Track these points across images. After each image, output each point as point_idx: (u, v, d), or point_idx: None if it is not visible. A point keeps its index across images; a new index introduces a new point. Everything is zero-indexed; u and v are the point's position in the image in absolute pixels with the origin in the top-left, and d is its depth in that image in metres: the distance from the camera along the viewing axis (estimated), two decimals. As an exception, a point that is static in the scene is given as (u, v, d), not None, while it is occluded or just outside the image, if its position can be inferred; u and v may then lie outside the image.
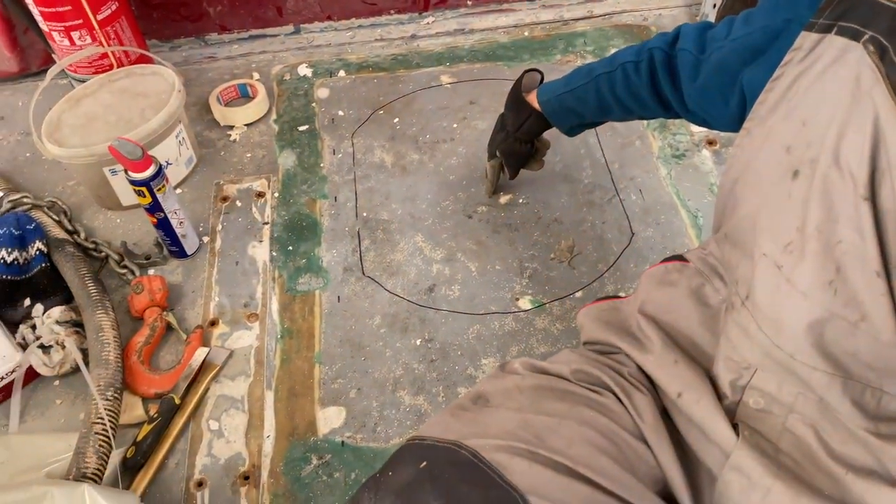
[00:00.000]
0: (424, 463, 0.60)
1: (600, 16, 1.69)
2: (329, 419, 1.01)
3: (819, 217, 0.53)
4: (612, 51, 1.57)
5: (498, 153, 1.18)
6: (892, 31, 0.50)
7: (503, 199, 1.29)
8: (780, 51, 0.60)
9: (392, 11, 1.69)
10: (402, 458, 0.62)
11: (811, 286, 0.54)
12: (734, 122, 0.75)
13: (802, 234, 0.54)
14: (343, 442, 0.99)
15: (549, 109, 1.06)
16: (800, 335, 0.56)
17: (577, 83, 1.01)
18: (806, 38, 0.56)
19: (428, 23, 1.70)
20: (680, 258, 0.80)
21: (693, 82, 0.82)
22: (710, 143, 1.36)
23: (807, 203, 0.54)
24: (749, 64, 0.69)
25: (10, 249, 1.11)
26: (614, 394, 0.71)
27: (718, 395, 0.66)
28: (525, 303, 1.13)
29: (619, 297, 0.86)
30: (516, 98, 1.11)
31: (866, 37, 0.51)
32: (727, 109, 0.76)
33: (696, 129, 1.39)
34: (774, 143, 0.59)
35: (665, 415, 0.70)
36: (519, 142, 1.14)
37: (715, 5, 1.51)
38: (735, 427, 0.63)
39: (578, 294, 1.14)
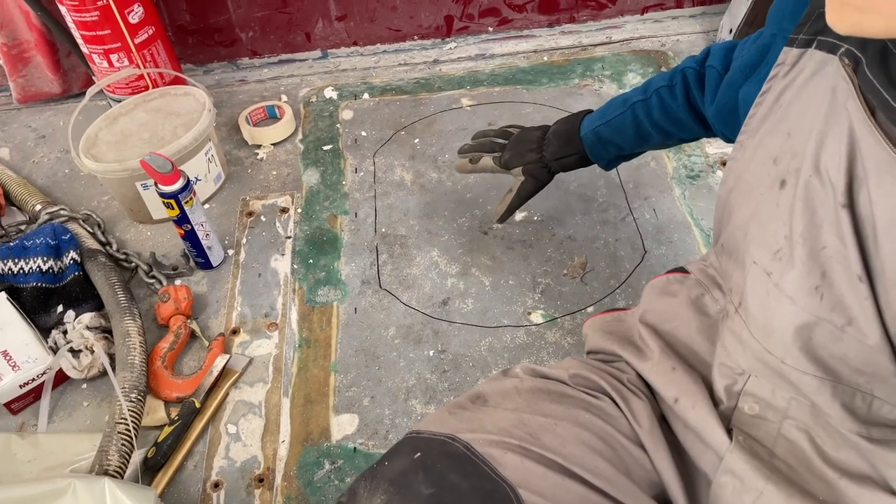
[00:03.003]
0: (419, 454, 0.62)
1: (618, 41, 1.72)
2: (342, 426, 1.04)
3: (803, 224, 0.54)
4: (630, 76, 1.60)
5: (522, 171, 1.12)
6: (865, 44, 0.52)
7: (518, 216, 1.32)
8: (768, 66, 0.62)
9: (416, 37, 1.74)
10: (398, 450, 0.64)
11: (798, 291, 0.55)
12: (733, 126, 0.77)
13: (790, 241, 0.56)
14: (355, 448, 1.02)
15: (588, 143, 1.04)
16: (788, 339, 0.57)
17: (613, 114, 0.99)
18: (788, 54, 0.58)
19: (450, 48, 1.75)
20: (681, 270, 0.81)
21: (713, 102, 0.84)
22: (724, 164, 1.38)
23: (792, 211, 0.56)
24: (747, 78, 0.72)
25: (45, 258, 1.17)
26: (612, 399, 0.72)
27: (714, 401, 0.67)
28: (537, 317, 1.15)
29: (625, 309, 0.87)
30: (570, 133, 1.06)
31: (842, 50, 0.53)
32: (733, 128, 0.78)
33: (710, 150, 1.41)
34: (763, 154, 0.61)
35: (663, 422, 0.72)
36: (547, 170, 1.10)
37: (731, 31, 1.54)
38: (730, 432, 0.65)
39: (590, 309, 1.16)
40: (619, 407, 0.71)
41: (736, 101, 0.75)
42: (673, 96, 0.92)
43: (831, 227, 0.53)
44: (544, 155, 1.09)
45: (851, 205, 0.52)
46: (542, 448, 0.64)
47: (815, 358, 0.57)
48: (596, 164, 1.07)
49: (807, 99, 0.56)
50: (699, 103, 0.90)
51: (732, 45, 0.84)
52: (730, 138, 0.85)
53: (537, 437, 0.65)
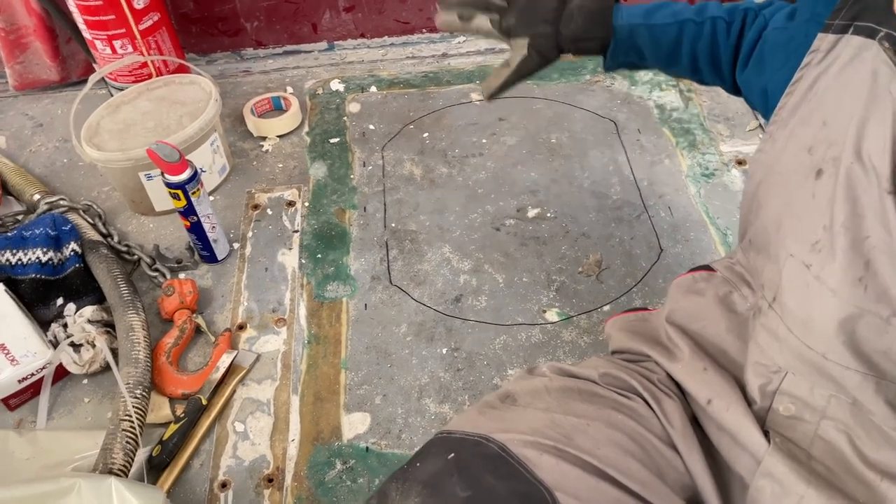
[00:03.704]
0: (452, 455, 0.60)
1: (630, 37, 1.70)
2: (354, 425, 1.01)
3: (845, 213, 0.53)
4: (642, 72, 1.58)
5: (528, 45, 0.87)
6: None
7: (531, 213, 1.29)
8: (797, 50, 0.60)
9: (424, 30, 1.72)
10: (429, 451, 0.62)
11: (841, 283, 0.54)
12: (760, 104, 0.75)
13: (830, 231, 0.55)
14: (367, 448, 0.99)
15: (621, 36, 0.86)
16: (831, 333, 0.56)
17: (660, 21, 0.84)
18: (823, 40, 0.57)
19: (459, 42, 1.72)
20: (707, 268, 0.79)
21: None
22: (740, 162, 1.36)
23: (832, 201, 0.54)
24: (776, 56, 0.70)
25: (45, 249, 1.13)
26: (643, 399, 0.70)
27: (748, 402, 0.65)
28: (552, 315, 1.13)
29: (647, 308, 0.86)
30: (603, 15, 0.85)
31: (881, 34, 0.53)
32: (758, 88, 0.74)
33: (725, 148, 1.39)
34: (796, 145, 0.60)
35: (695, 422, 0.70)
36: (556, 48, 0.87)
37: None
38: (766, 434, 0.63)
39: (606, 308, 1.13)
40: (650, 407, 0.70)
41: (758, 71, 0.73)
42: (727, 34, 0.81)
43: (875, 216, 0.52)
44: (560, 30, 0.86)
45: None
46: (577, 449, 0.62)
47: (859, 352, 0.56)
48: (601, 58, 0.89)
49: (844, 85, 0.56)
50: (743, 53, 0.79)
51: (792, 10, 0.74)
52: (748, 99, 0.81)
53: (571, 437, 0.63)
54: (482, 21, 0.90)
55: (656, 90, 1.54)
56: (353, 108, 1.56)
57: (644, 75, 1.57)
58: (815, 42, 0.58)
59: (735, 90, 0.83)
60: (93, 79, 1.23)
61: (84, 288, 1.16)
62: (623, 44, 0.85)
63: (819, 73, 0.58)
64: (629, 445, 0.65)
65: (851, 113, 0.54)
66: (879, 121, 0.52)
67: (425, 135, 1.48)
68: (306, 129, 1.51)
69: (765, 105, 0.75)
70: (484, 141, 1.45)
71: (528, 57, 0.88)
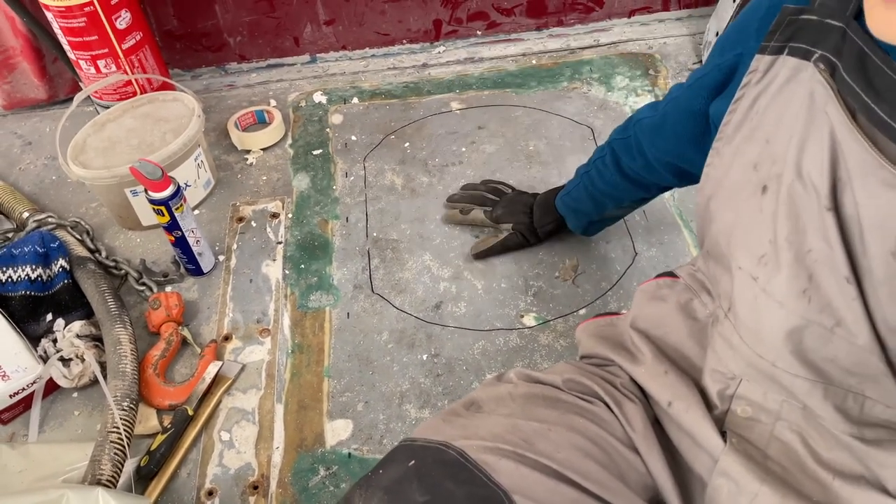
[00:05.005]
0: (413, 462, 0.62)
1: (606, 44, 1.73)
2: (337, 431, 1.04)
3: (788, 229, 0.56)
4: (618, 78, 1.61)
5: (511, 228, 1.23)
6: (840, 49, 0.53)
7: (509, 220, 1.32)
8: (739, 79, 0.63)
9: (405, 41, 1.74)
10: (392, 458, 0.65)
11: (786, 295, 0.56)
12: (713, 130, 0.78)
13: (775, 245, 0.57)
14: (350, 454, 1.01)
15: (562, 212, 1.17)
16: (779, 343, 0.58)
17: (572, 184, 1.12)
18: (760, 61, 0.59)
19: (439, 52, 1.75)
20: (671, 274, 0.82)
21: (659, 134, 0.87)
22: (713, 166, 1.38)
23: (776, 216, 0.57)
24: (714, 99, 0.73)
25: (34, 266, 1.16)
26: (605, 403, 0.73)
27: (708, 406, 0.68)
28: (529, 320, 1.16)
29: (617, 313, 0.88)
30: (548, 203, 1.19)
31: (816, 55, 0.54)
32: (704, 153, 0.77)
33: (699, 152, 1.42)
34: (742, 161, 0.62)
35: (657, 425, 0.72)
36: (533, 233, 1.22)
37: (717, 33, 1.55)
38: (724, 435, 0.65)
39: (582, 311, 1.16)
40: (612, 411, 0.72)
41: (701, 127, 0.77)
42: (605, 164, 1.01)
43: (817, 231, 0.54)
44: (535, 223, 1.21)
45: (836, 207, 0.53)
46: (536, 453, 0.64)
47: (807, 361, 0.58)
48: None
49: (783, 105, 0.57)
50: (628, 167, 0.97)
51: (655, 103, 0.92)
52: (689, 171, 0.86)
53: (531, 442, 0.65)
54: (477, 213, 1.27)
55: (632, 96, 1.57)
56: (336, 119, 1.59)
57: (620, 81, 1.60)
58: (753, 63, 0.60)
59: (682, 178, 0.92)
60: (78, 98, 1.26)
61: (73, 303, 1.18)
62: (568, 216, 1.17)
63: (759, 92, 0.60)
64: (590, 449, 0.67)
65: (791, 132, 0.56)
66: (817, 140, 0.53)
67: (406, 144, 1.50)
68: (290, 141, 1.54)
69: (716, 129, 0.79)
70: (463, 149, 1.48)
71: (511, 235, 1.23)
